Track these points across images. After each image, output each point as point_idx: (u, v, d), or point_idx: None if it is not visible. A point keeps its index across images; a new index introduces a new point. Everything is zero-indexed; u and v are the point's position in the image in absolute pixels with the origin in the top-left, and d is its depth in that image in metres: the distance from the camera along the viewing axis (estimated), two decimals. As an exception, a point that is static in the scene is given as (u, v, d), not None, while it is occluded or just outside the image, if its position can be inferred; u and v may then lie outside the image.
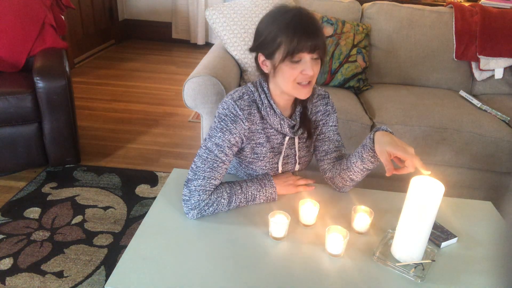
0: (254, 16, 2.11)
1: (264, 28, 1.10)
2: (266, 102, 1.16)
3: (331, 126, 1.28)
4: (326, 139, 1.28)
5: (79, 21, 3.84)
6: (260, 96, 1.16)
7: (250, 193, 1.17)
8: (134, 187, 2.13)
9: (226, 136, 1.12)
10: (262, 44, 1.10)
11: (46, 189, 2.07)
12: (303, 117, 1.23)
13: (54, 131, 2.12)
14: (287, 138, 1.22)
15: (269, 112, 1.17)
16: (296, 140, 1.25)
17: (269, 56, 1.09)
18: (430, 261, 1.03)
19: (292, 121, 1.20)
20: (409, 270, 1.00)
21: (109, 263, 1.64)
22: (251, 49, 1.16)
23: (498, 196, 2.02)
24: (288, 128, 1.20)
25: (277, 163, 1.25)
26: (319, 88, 1.28)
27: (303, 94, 1.11)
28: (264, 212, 1.14)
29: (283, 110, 1.20)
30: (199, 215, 1.11)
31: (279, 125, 1.19)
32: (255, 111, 1.17)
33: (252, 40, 1.15)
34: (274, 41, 1.06)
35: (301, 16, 1.06)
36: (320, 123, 1.27)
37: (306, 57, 1.06)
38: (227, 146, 1.12)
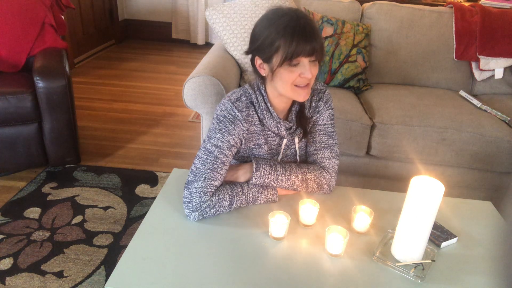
0: (254, 16, 2.11)
1: (261, 32, 1.08)
2: (263, 105, 1.15)
3: (320, 125, 1.25)
4: (311, 140, 1.26)
5: (79, 21, 3.84)
6: (257, 98, 1.16)
7: (251, 195, 1.17)
8: (134, 187, 2.13)
9: (225, 137, 1.12)
10: (259, 48, 1.08)
11: (46, 189, 2.07)
12: (300, 116, 1.21)
13: (54, 131, 2.12)
14: (284, 140, 1.22)
15: (265, 115, 1.16)
16: (296, 140, 1.25)
17: (267, 60, 1.08)
18: (430, 261, 1.03)
19: (289, 123, 1.20)
20: (409, 270, 1.00)
21: (109, 263, 1.64)
22: (247, 52, 1.14)
23: (498, 196, 2.02)
24: (285, 131, 1.20)
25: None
26: (317, 82, 1.26)
27: (302, 97, 1.11)
28: (264, 212, 1.14)
29: (280, 112, 1.20)
30: (201, 217, 1.11)
31: (275, 128, 1.19)
32: (253, 112, 1.16)
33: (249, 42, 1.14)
34: (271, 45, 1.04)
35: (298, 19, 1.04)
36: (312, 120, 1.26)
37: (304, 60, 1.05)
38: (227, 147, 1.12)
